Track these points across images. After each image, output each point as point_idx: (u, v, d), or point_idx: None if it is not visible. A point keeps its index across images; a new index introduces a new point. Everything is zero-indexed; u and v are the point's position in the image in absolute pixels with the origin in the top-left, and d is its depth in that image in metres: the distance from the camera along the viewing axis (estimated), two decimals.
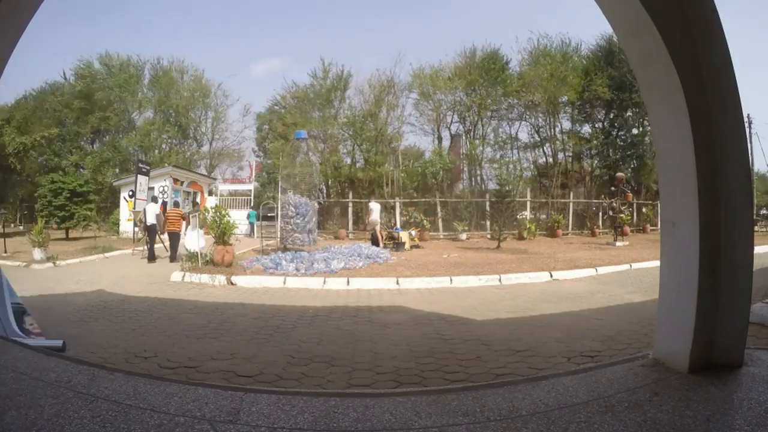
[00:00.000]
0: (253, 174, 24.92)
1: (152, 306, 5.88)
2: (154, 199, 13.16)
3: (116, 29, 47.88)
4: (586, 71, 23.78)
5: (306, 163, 24.99)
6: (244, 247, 13.00)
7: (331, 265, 9.07)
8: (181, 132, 27.84)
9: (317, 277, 8.24)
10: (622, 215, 16.16)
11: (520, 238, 17.32)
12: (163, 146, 27.24)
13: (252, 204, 22.36)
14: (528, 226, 17.96)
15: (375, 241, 13.40)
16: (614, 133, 25.22)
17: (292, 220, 11.84)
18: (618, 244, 14.59)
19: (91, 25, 47.18)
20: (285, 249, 11.46)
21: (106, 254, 11.91)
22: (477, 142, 24.90)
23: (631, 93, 22.76)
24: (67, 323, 4.86)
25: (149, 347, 3.96)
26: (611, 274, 8.87)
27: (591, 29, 32.46)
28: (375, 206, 14.63)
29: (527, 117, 25.49)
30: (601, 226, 20.54)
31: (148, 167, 17.57)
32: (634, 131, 24.94)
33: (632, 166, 24.90)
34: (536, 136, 25.80)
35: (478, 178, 25.81)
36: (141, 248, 12.65)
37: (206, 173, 26.73)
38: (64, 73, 27.53)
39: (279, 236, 12.30)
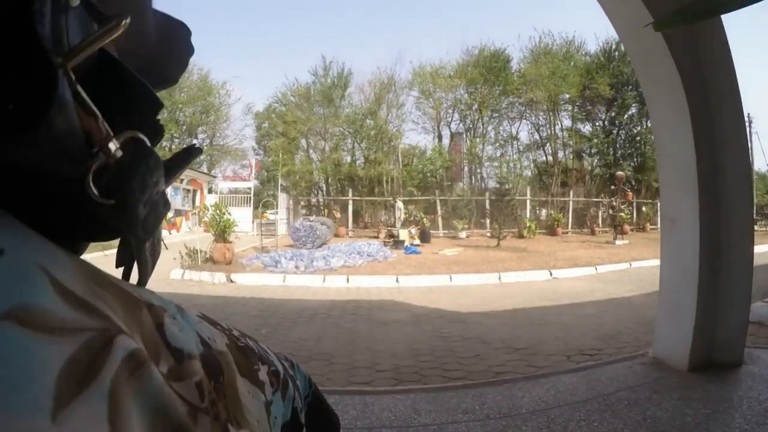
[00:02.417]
0: (253, 172, 24.89)
1: None
2: None
3: None
4: (588, 69, 23.77)
5: (306, 161, 25.01)
6: (244, 245, 13.01)
7: (331, 263, 9.07)
8: (186, 130, 27.87)
9: (317, 274, 8.24)
10: (621, 214, 16.14)
11: (520, 236, 17.32)
12: (165, 144, 27.24)
13: (252, 202, 22.35)
14: (528, 224, 17.97)
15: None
16: (615, 131, 25.21)
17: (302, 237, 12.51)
18: (618, 242, 14.58)
19: None
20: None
21: (106, 252, 11.86)
22: (477, 140, 24.88)
23: (632, 90, 22.78)
24: None
25: None
26: (611, 273, 8.88)
27: (593, 28, 32.41)
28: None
29: (528, 115, 25.49)
30: (600, 225, 20.54)
31: None
32: (635, 129, 24.95)
33: (632, 164, 24.89)
34: (537, 134, 25.82)
35: (479, 176, 25.82)
36: None
37: (206, 171, 26.74)
38: None
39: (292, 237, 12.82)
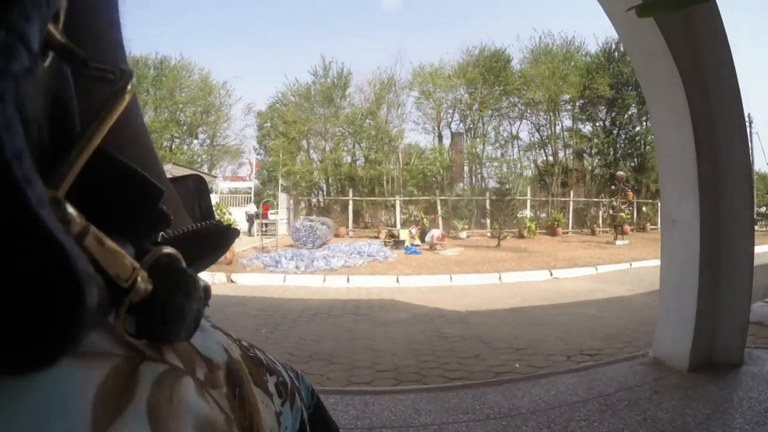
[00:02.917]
0: (253, 172, 24.89)
1: None
2: None
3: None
4: (588, 69, 23.77)
5: (306, 161, 25.02)
6: (244, 245, 13.02)
7: (331, 263, 9.08)
8: (187, 130, 27.87)
9: (317, 274, 8.24)
10: (622, 214, 16.14)
11: (520, 236, 17.31)
12: (164, 144, 27.26)
13: (252, 201, 22.35)
14: (528, 224, 17.97)
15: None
16: (615, 131, 25.21)
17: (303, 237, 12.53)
18: (618, 242, 14.57)
19: None
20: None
21: None
22: (477, 140, 24.88)
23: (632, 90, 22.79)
24: None
25: None
26: (611, 273, 8.87)
27: (593, 28, 32.40)
28: None
29: (528, 115, 25.49)
30: (601, 225, 20.53)
31: None
32: (635, 129, 24.95)
33: (633, 164, 24.89)
34: (537, 134, 25.81)
35: (479, 176, 25.81)
36: None
37: (207, 171, 26.72)
38: None
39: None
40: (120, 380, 0.19)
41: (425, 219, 18.03)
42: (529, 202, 21.08)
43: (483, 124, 25.43)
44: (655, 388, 2.57)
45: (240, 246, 11.80)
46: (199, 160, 28.65)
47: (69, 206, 0.16)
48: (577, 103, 24.59)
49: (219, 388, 0.25)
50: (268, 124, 29.11)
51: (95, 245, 0.17)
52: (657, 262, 3.30)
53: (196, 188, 0.40)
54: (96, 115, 0.18)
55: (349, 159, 25.33)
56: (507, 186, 20.05)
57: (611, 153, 25.03)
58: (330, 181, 25.56)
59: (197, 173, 0.38)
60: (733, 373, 2.74)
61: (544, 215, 21.99)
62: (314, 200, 24.47)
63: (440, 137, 25.77)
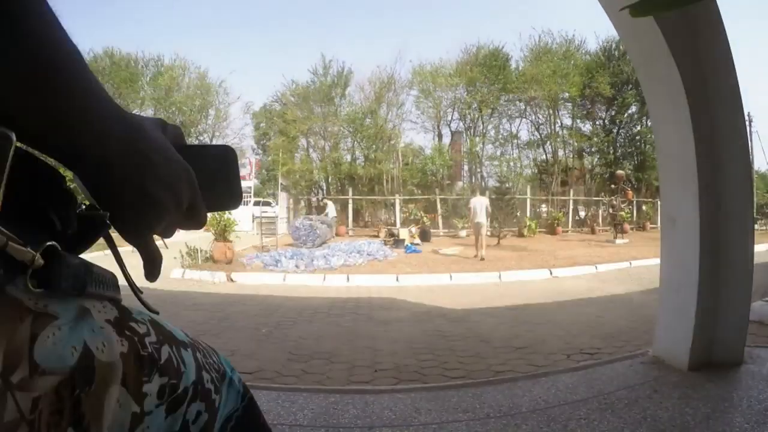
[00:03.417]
0: (253, 171, 24.84)
1: (152, 303, 5.89)
2: None
3: (111, 25, 47.58)
4: (588, 68, 23.74)
5: (306, 160, 25.00)
6: (244, 244, 13.01)
7: (331, 262, 9.08)
8: (185, 130, 27.76)
9: (317, 273, 8.24)
10: (622, 213, 16.14)
11: (520, 235, 17.31)
12: None
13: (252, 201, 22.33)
14: (528, 223, 17.96)
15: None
16: (615, 130, 25.19)
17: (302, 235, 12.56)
18: (618, 241, 14.58)
19: (89, 20, 46.88)
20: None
21: (106, 252, 11.85)
22: (477, 139, 24.86)
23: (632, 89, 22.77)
24: None
25: None
26: (611, 272, 8.88)
27: (593, 26, 32.37)
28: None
29: (528, 114, 25.46)
30: (600, 224, 20.52)
31: None
32: (635, 128, 24.93)
33: (633, 163, 24.88)
34: (537, 133, 25.79)
35: (479, 175, 25.79)
36: None
37: None
38: None
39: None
40: None
41: (425, 218, 18.02)
42: (528, 200, 21.06)
43: (483, 123, 25.41)
44: (655, 387, 2.58)
45: (240, 245, 11.79)
46: None
47: None
48: (577, 102, 24.57)
49: (28, 391, 0.27)
50: (275, 128, 29.05)
51: (10, 249, 0.27)
52: (657, 261, 3.30)
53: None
54: None
55: (348, 158, 25.30)
56: (507, 185, 20.05)
57: (611, 152, 25.01)
58: (330, 180, 25.53)
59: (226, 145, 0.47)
60: (733, 372, 2.74)
61: (544, 214, 21.98)
62: (314, 199, 24.45)
63: (440, 136, 25.75)
